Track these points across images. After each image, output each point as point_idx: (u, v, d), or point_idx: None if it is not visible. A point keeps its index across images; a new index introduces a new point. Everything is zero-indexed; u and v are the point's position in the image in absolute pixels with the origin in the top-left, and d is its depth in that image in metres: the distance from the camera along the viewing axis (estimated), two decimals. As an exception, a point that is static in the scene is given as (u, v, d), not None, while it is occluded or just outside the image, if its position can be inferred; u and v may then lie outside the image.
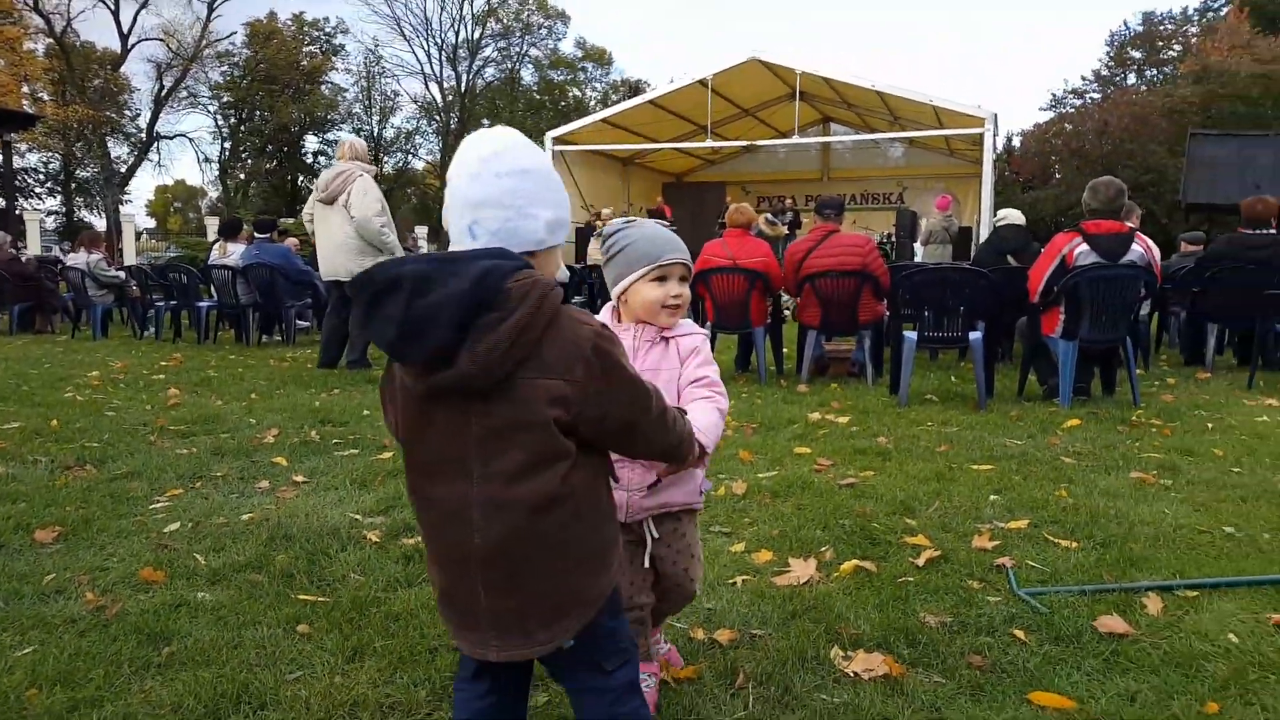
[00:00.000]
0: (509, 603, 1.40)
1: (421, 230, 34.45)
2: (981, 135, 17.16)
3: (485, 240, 1.42)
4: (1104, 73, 42.78)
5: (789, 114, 20.39)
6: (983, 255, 8.93)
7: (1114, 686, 2.05)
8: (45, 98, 36.61)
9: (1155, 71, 41.90)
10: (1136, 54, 42.33)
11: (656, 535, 1.90)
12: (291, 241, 11.50)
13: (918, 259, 16.56)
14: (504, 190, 1.43)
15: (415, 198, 48.20)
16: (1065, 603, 2.51)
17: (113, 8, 38.78)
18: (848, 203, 25.64)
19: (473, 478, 1.38)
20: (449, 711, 1.96)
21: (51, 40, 37.13)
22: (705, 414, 1.77)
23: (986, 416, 5.40)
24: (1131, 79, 42.27)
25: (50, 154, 38.82)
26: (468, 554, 1.39)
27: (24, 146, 33.86)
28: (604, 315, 1.92)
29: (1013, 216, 9.23)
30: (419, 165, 50.58)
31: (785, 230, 15.50)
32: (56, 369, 7.53)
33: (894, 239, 19.43)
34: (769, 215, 17.59)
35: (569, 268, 11.29)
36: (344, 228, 7.18)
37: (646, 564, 1.90)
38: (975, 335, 5.94)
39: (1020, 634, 2.32)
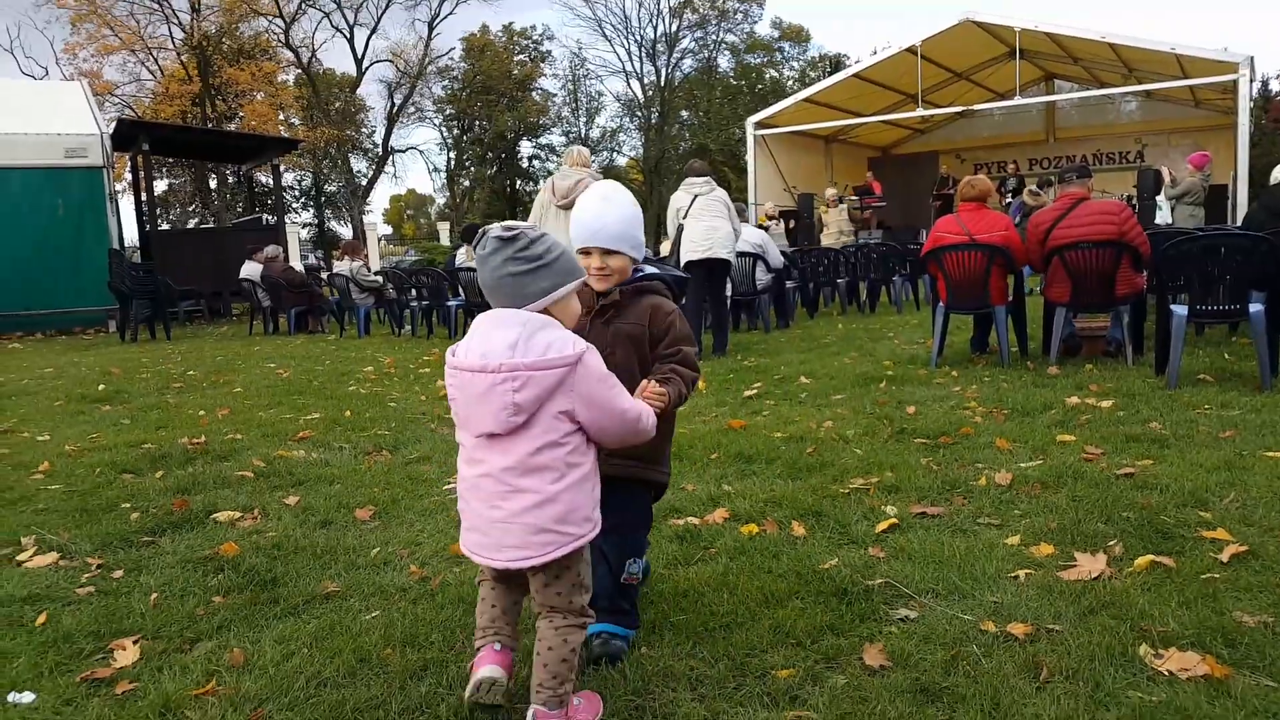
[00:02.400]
0: None
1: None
2: (1235, 82, 15.43)
3: None
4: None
5: (1007, 74, 19.25)
6: (1256, 217, 8.07)
7: None
8: (296, 122, 40.60)
9: None
10: None
11: None
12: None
13: (1161, 219, 15.17)
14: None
15: (623, 194, 49.38)
16: None
17: (348, 36, 42.34)
18: (1090, 160, 23.92)
19: None
20: (754, 686, 2.08)
21: (300, 70, 41.07)
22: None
23: (1273, 398, 4.90)
24: None
25: (303, 172, 43.05)
26: None
27: (282, 167, 37.71)
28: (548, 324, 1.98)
29: None
30: (623, 162, 51.86)
31: (1047, 199, 14.58)
32: (336, 365, 8.42)
33: (1135, 202, 17.86)
34: (1032, 188, 16.59)
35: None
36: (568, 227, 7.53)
37: None
38: (1256, 308, 5.39)
39: (1358, 639, 2.14)
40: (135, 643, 2.44)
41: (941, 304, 6.99)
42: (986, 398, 5.42)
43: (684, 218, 8.03)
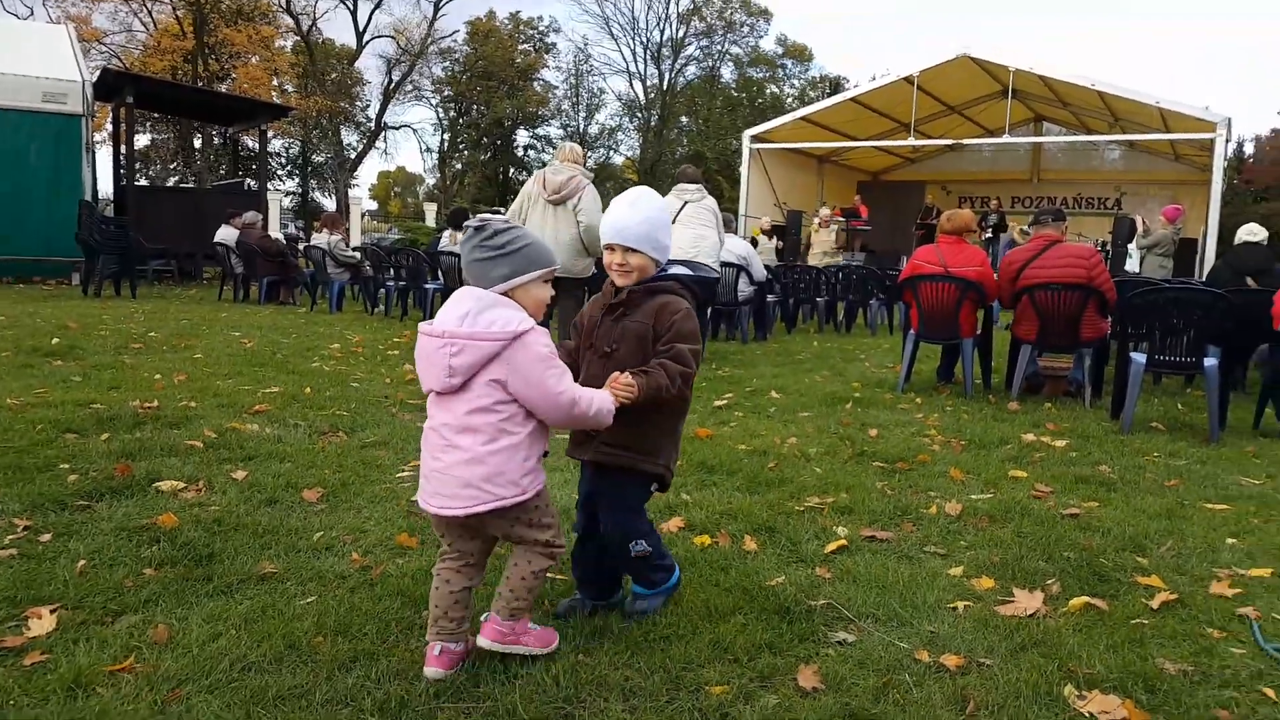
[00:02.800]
0: None
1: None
2: (1212, 140, 15.75)
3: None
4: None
5: (998, 112, 19.49)
6: (1221, 274, 8.24)
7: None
8: (290, 89, 40.15)
9: None
10: None
11: None
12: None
13: (1130, 266, 15.40)
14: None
15: (614, 192, 49.34)
16: (1325, 665, 2.33)
17: (351, 7, 41.96)
18: (1059, 205, 24.27)
19: None
20: (686, 701, 2.08)
21: (298, 38, 40.63)
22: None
23: (1219, 450, 5.01)
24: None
25: (291, 140, 42.57)
26: None
27: (270, 133, 37.28)
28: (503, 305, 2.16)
29: (1256, 233, 8.47)
30: (619, 160, 51.84)
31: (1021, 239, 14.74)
32: (303, 339, 8.33)
33: (1109, 248, 18.14)
34: (1024, 228, 16.70)
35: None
36: (570, 229, 7.49)
37: None
38: (1211, 362, 5.51)
39: (1270, 692, 2.18)
40: (53, 612, 2.37)
41: (913, 331, 7.06)
42: (946, 427, 5.47)
43: (673, 223, 8.04)
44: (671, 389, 2.29)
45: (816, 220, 18.54)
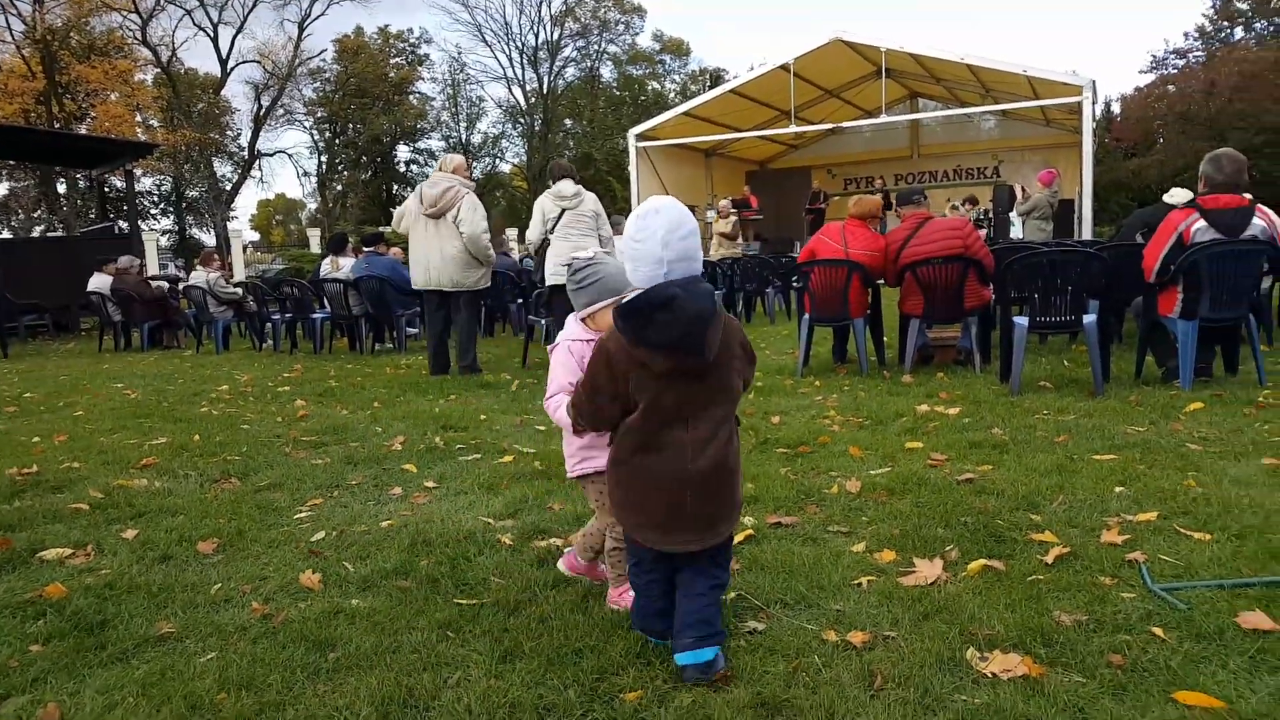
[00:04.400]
0: (710, 509, 2.23)
1: (512, 232, 34.96)
2: (1080, 104, 16.55)
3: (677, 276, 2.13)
4: (1208, 29, 40.57)
5: (874, 93, 20.06)
6: (1132, 225, 8.52)
7: (1264, 685, 2.03)
8: (155, 124, 38.57)
9: (1266, 24, 39.49)
10: (1243, 5, 39.99)
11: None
12: (395, 252, 11.90)
13: (1014, 233, 16.07)
14: (687, 248, 2.15)
15: (504, 200, 49.02)
16: (1204, 598, 2.47)
17: (212, 35, 40.59)
18: (939, 179, 25.18)
19: (688, 425, 2.19)
20: (601, 712, 2.08)
21: (159, 70, 39.07)
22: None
23: (1104, 403, 5.27)
24: (1240, 34, 39.96)
25: (162, 176, 40.90)
26: (685, 478, 2.19)
27: (139, 171, 35.76)
28: (574, 324, 2.63)
29: (1176, 196, 8.75)
30: (506, 169, 51.44)
31: (965, 212, 15.09)
32: (189, 384, 8.02)
33: (991, 214, 18.88)
34: (954, 203, 16.93)
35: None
36: (454, 242, 7.41)
37: None
38: (1090, 318, 5.80)
39: (1159, 631, 2.31)
40: None
41: (807, 315, 7.22)
42: (845, 406, 5.62)
43: (551, 231, 7.89)
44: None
45: (714, 212, 18.72)
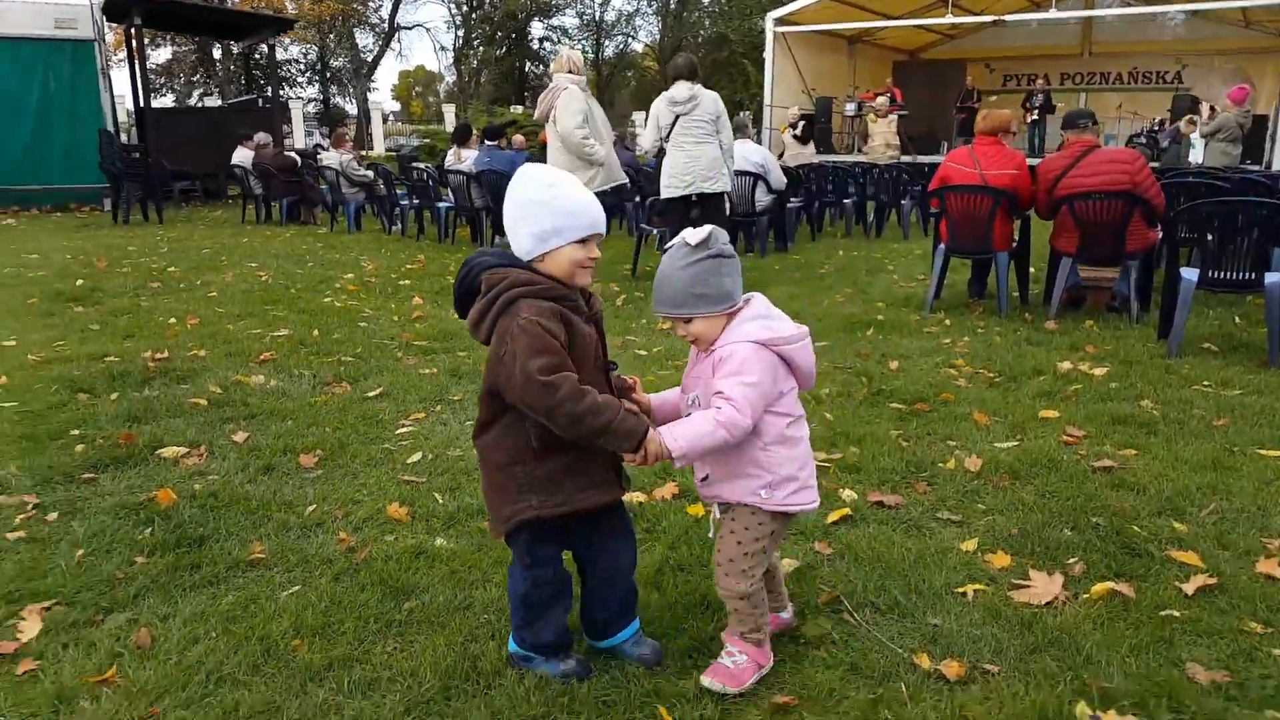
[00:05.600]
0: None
1: (639, 116, 34.10)
2: (1289, 2, 14.53)
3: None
4: None
5: (1048, -21, 18.26)
6: None
7: None
8: (303, -4, 39.06)
9: None
10: None
11: (718, 518, 2.13)
12: (519, 139, 11.80)
13: (1194, 156, 14.55)
14: (509, 219, 1.97)
15: (634, 81, 47.90)
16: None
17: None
18: (1111, 82, 22.81)
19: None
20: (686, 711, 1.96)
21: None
22: (691, 422, 1.94)
23: (1278, 377, 4.68)
24: None
25: (308, 46, 41.66)
26: None
27: (287, 40, 36.51)
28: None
29: None
30: (638, 47, 50.04)
31: (1203, 125, 13.56)
32: (317, 269, 8.22)
33: (1165, 128, 17.07)
34: (1192, 116, 14.72)
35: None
36: (556, 143, 7.09)
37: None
38: (1273, 277, 5.10)
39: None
40: (48, 609, 2.38)
41: (943, 245, 6.73)
42: (976, 354, 5.23)
43: (665, 139, 7.32)
44: None
45: (853, 105, 17.54)
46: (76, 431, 3.74)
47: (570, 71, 6.98)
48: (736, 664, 2.05)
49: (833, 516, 2.97)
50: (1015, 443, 3.73)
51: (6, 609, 2.40)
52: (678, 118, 7.18)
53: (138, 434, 3.70)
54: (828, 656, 2.18)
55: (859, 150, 18.09)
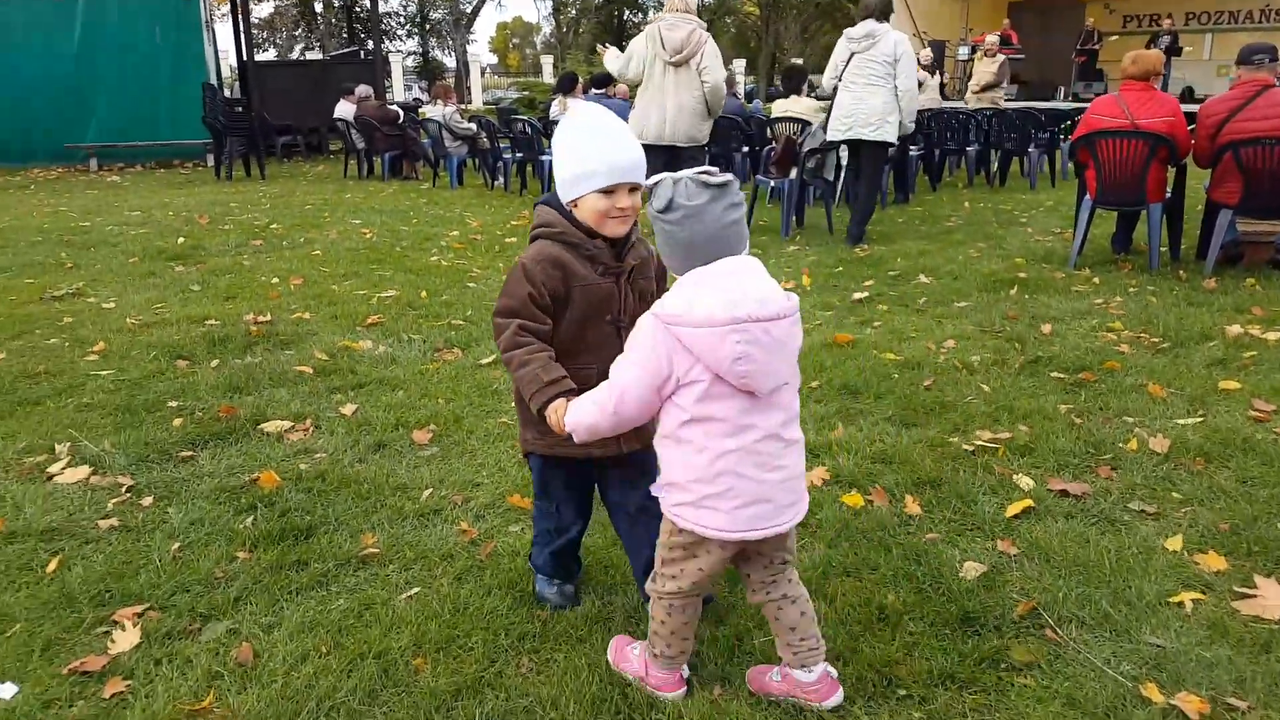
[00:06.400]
0: None
1: (739, 64, 33.23)
2: None
3: None
4: None
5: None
6: None
7: None
8: (402, -58, 39.07)
9: None
10: None
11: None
12: (622, 89, 11.39)
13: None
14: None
15: (734, 29, 46.58)
16: None
17: None
18: (1242, 21, 21.04)
19: None
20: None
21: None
22: (587, 396, 1.77)
23: None
24: None
25: (408, -1, 41.79)
26: None
27: (385, -9, 36.66)
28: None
29: None
30: (739, -7, 48.51)
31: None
32: (422, 225, 8.08)
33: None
34: None
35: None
36: (693, 92, 6.72)
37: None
38: None
39: None
40: (140, 615, 2.16)
41: (1089, 198, 6.14)
42: (1133, 316, 4.74)
43: (838, 78, 6.98)
44: None
45: (966, 48, 16.55)
46: (175, 403, 3.58)
47: (693, 13, 6.69)
48: (636, 656, 1.93)
49: (1013, 509, 2.62)
50: (1199, 419, 3.30)
51: (95, 613, 2.17)
52: (853, 55, 6.85)
53: (239, 406, 3.54)
54: (1037, 686, 1.87)
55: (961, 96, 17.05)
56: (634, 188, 1.87)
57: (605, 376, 1.72)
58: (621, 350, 1.72)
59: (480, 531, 2.56)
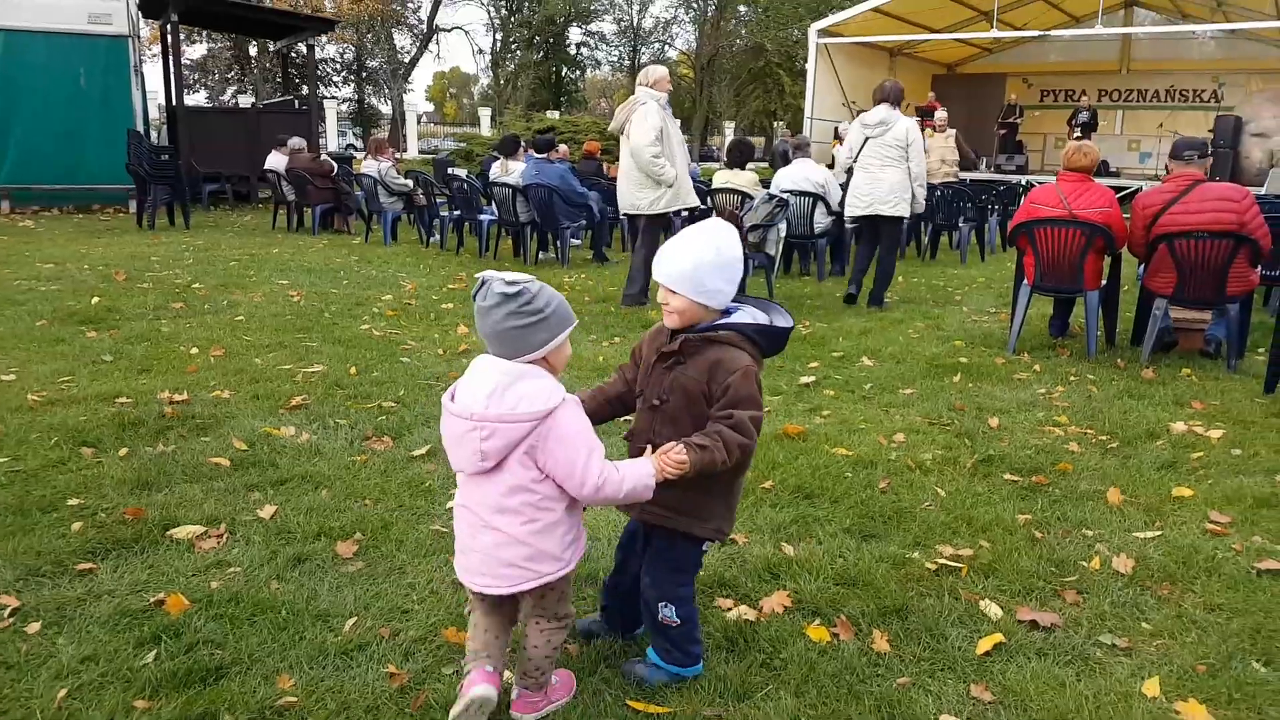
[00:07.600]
0: None
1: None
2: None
3: None
4: None
5: (1088, -4, 17.70)
6: None
7: None
8: (342, -6, 38.87)
9: None
10: None
11: None
12: (562, 149, 11.35)
13: (1267, 188, 13.87)
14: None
15: (670, 89, 47.44)
16: None
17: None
18: (1148, 100, 22.26)
19: None
20: None
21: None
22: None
23: None
24: None
25: (345, 45, 41.54)
26: None
27: (324, 38, 36.33)
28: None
29: None
30: (673, 55, 49.64)
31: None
32: (353, 288, 7.79)
33: (1211, 148, 16.38)
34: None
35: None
36: (627, 159, 6.87)
37: None
38: None
39: None
40: None
41: (1026, 284, 6.21)
42: (1077, 409, 4.74)
43: (854, 160, 7.41)
44: (728, 463, 2.06)
45: (931, 126, 16.91)
46: (76, 501, 3.24)
47: (652, 86, 6.81)
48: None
49: (983, 644, 2.47)
50: (1157, 532, 3.24)
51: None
52: (867, 140, 7.30)
53: (147, 506, 3.23)
54: None
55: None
56: (668, 288, 2.12)
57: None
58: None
59: (410, 675, 2.30)
